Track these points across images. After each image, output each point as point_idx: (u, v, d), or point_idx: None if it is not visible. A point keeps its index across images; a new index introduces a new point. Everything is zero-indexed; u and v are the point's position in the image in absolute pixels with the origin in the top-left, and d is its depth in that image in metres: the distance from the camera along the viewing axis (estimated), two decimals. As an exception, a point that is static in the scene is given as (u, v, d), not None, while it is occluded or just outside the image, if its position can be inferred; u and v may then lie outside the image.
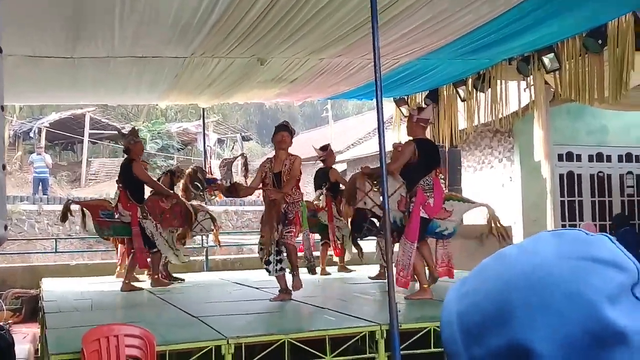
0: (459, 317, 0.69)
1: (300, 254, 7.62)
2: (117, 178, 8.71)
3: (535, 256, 0.67)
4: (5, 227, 1.60)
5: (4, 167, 1.67)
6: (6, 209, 1.70)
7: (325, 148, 9.60)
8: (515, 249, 0.71)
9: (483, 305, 0.67)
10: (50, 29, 6.67)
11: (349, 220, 7.57)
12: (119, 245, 9.29)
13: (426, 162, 6.61)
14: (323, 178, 9.53)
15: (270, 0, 6.10)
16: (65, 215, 8.49)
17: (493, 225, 7.60)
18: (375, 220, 7.14)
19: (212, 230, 9.30)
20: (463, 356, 0.67)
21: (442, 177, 6.86)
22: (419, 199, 6.46)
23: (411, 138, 6.76)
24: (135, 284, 8.36)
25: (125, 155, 8.61)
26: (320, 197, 9.41)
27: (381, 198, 6.81)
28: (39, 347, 6.91)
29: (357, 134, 28.30)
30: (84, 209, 8.32)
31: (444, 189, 6.81)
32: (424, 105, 6.91)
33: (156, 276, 8.53)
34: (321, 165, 9.81)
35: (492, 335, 0.65)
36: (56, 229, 17.37)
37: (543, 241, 0.69)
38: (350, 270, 9.55)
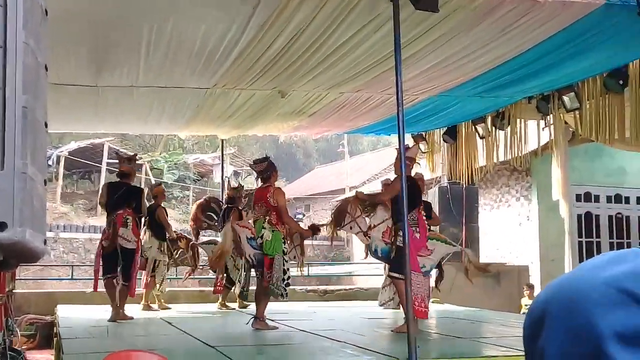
0: (526, 316, 0.71)
1: None
2: (117, 202, 8.27)
3: (584, 271, 0.68)
4: (45, 242, 1.62)
5: (45, 182, 1.70)
6: (46, 223, 1.72)
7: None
8: (590, 260, 0.71)
9: (533, 307, 0.70)
10: (77, 56, 6.79)
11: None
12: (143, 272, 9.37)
13: (412, 198, 6.65)
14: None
15: (294, 34, 6.19)
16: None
17: (470, 269, 7.60)
18: None
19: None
20: (528, 349, 0.70)
21: (425, 214, 6.91)
22: (409, 233, 6.61)
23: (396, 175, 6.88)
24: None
25: (119, 179, 8.53)
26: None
27: (367, 223, 6.91)
28: (53, 373, 6.89)
29: (372, 169, 28.35)
30: None
31: (427, 226, 6.84)
32: (410, 145, 7.02)
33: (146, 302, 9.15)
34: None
35: (534, 337, 0.68)
36: (72, 256, 17.43)
37: (605, 258, 0.69)
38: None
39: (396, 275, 6.58)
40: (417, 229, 6.69)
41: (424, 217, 6.96)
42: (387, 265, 7.28)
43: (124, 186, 8.34)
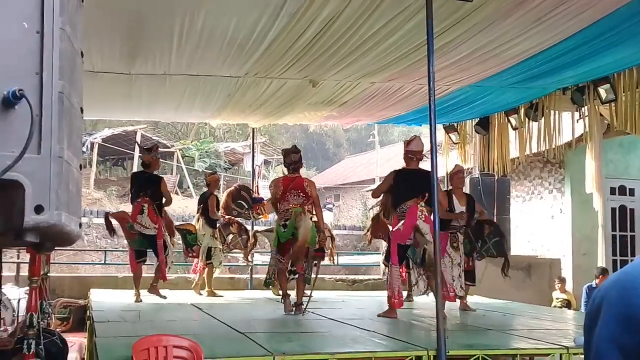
0: (590, 303, 0.71)
1: None
2: (138, 190, 8.60)
3: None
4: (80, 225, 1.66)
5: (80, 167, 1.73)
6: (81, 207, 1.76)
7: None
8: None
9: (594, 296, 0.69)
10: (111, 44, 6.88)
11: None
12: (195, 259, 9.52)
13: (403, 190, 6.90)
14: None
15: (326, 23, 6.18)
16: (110, 229, 8.69)
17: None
18: None
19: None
20: (586, 337, 0.70)
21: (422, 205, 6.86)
22: (393, 224, 6.91)
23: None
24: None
25: (142, 169, 8.89)
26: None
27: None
28: (86, 355, 7.02)
29: (402, 160, 28.17)
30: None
31: (420, 217, 6.80)
32: (412, 137, 7.12)
33: (209, 289, 9.33)
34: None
35: (592, 326, 0.67)
36: (104, 241, 17.70)
37: None
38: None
39: (385, 263, 7.21)
40: (404, 220, 6.77)
41: (419, 209, 6.83)
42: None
43: (145, 175, 8.72)
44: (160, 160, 9.16)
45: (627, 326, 0.62)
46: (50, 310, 9.33)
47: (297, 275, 7.24)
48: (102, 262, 14.35)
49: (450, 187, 8.12)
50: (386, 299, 7.11)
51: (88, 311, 7.80)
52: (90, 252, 17.08)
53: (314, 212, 7.25)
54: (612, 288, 0.66)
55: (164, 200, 8.69)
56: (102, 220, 18.44)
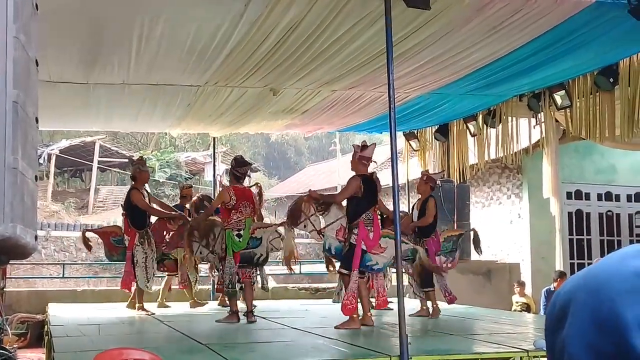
0: (550, 306, 0.71)
1: None
2: (122, 205, 8.80)
3: (612, 262, 0.67)
4: (36, 238, 1.62)
5: (36, 178, 1.69)
6: (37, 219, 1.72)
7: None
8: (618, 251, 0.70)
9: (557, 297, 0.69)
10: (68, 53, 6.76)
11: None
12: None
13: (369, 198, 6.93)
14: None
15: (286, 31, 6.18)
16: (86, 244, 8.65)
17: (421, 267, 7.80)
18: None
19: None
20: (549, 340, 0.69)
21: (379, 213, 7.12)
22: (362, 232, 6.81)
23: (355, 174, 7.02)
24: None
25: (132, 182, 8.72)
26: None
27: (322, 223, 7.01)
28: (44, 371, 6.86)
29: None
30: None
31: (380, 225, 7.05)
32: (368, 144, 7.16)
33: (161, 300, 9.02)
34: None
35: (557, 328, 0.67)
36: (62, 254, 17.37)
37: (634, 250, 0.68)
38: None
39: (344, 271, 6.88)
40: (372, 228, 6.86)
41: (379, 217, 7.10)
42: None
43: (128, 190, 8.76)
44: (147, 172, 8.86)
45: (602, 330, 0.62)
46: (6, 326, 9.13)
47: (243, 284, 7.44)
48: (61, 275, 14.07)
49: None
50: (346, 308, 6.85)
51: (46, 326, 7.63)
52: (48, 266, 16.72)
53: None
54: (580, 290, 0.66)
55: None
56: (60, 233, 18.16)
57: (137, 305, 8.34)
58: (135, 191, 8.43)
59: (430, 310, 7.96)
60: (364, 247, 6.82)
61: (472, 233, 8.83)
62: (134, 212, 8.37)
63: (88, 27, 6.11)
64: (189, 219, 8.68)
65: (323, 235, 7.05)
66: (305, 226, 7.15)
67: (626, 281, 0.63)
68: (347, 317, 6.67)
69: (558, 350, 0.66)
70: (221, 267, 7.44)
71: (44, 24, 5.69)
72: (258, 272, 7.96)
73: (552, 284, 9.91)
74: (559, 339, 0.66)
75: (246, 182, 7.78)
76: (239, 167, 7.60)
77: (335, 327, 6.61)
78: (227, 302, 8.06)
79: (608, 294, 0.63)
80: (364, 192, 6.91)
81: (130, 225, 8.38)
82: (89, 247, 8.77)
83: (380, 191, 7.06)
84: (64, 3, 5.33)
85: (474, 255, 10.71)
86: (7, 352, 5.01)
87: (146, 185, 8.87)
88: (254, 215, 7.57)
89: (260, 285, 8.16)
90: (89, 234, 8.75)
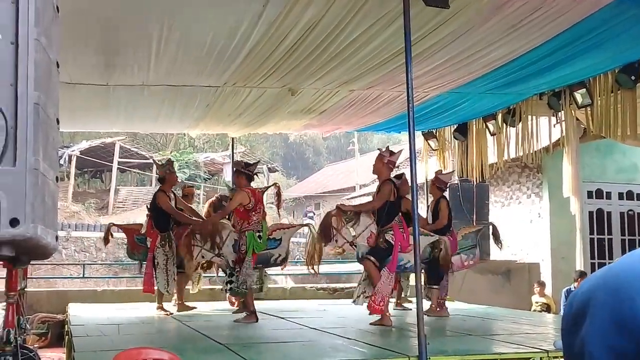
0: (567, 306, 0.70)
1: None
2: (147, 206, 8.91)
3: (631, 261, 0.66)
4: (57, 238, 1.63)
5: (57, 179, 1.71)
6: (57, 219, 1.73)
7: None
8: (637, 251, 0.69)
9: (575, 297, 0.68)
10: (88, 55, 6.82)
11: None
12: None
13: (398, 200, 7.11)
14: None
15: (304, 31, 6.18)
16: (107, 237, 8.80)
17: (437, 260, 7.86)
18: None
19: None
20: (566, 341, 0.68)
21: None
22: (398, 236, 6.95)
23: (382, 178, 7.14)
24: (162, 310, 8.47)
25: (160, 184, 8.77)
26: None
27: (352, 234, 7.00)
28: (65, 370, 6.93)
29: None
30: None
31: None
32: (395, 150, 7.23)
33: (180, 302, 8.69)
34: None
35: (575, 329, 0.66)
36: (83, 255, 17.52)
37: None
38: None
39: (375, 261, 6.94)
40: (403, 230, 7.03)
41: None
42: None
43: (156, 191, 8.84)
44: (175, 175, 8.84)
45: (623, 330, 0.61)
46: (27, 326, 9.20)
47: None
48: (81, 275, 14.20)
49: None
50: (376, 308, 6.88)
51: (66, 326, 7.70)
52: (69, 266, 16.88)
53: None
54: (599, 290, 0.65)
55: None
56: (80, 234, 18.32)
57: (156, 305, 8.40)
58: (161, 193, 8.47)
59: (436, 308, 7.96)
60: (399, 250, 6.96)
61: (491, 227, 8.84)
62: (159, 214, 8.41)
63: (108, 29, 6.16)
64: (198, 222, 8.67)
65: (355, 246, 7.08)
66: (336, 241, 7.16)
67: None
68: (377, 316, 6.85)
69: (577, 350, 0.65)
70: (238, 269, 7.39)
71: (64, 26, 5.75)
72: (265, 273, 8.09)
73: (573, 284, 9.82)
74: (577, 339, 0.65)
75: (264, 182, 7.81)
76: (248, 167, 7.65)
77: (370, 324, 6.83)
78: (240, 303, 8.12)
79: (628, 293, 0.62)
80: (396, 195, 7.09)
81: (153, 227, 8.43)
82: (107, 241, 8.89)
83: (408, 192, 7.08)
84: (84, 6, 5.37)
85: (493, 255, 10.65)
86: (29, 352, 5.05)
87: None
88: (265, 216, 7.69)
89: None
90: (113, 229, 8.92)
